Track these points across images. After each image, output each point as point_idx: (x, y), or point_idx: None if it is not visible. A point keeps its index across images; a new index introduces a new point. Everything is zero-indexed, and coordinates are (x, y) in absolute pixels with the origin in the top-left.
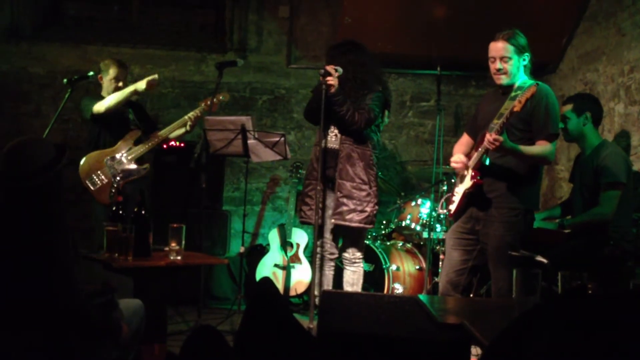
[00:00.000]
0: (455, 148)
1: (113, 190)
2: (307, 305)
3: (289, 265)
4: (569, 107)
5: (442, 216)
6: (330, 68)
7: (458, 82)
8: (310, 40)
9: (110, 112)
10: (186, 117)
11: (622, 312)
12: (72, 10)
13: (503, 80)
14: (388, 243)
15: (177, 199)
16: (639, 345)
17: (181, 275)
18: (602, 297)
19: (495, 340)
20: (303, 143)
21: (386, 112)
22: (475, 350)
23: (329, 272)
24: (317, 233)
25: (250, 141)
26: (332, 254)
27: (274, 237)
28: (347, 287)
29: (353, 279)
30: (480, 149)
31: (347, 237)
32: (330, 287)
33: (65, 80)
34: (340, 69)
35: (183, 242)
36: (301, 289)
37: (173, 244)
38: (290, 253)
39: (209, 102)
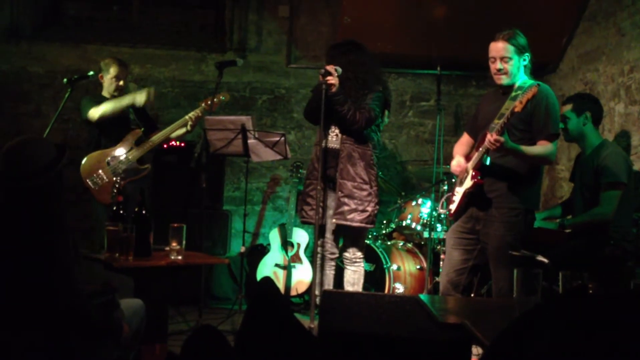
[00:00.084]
0: (455, 148)
1: (114, 191)
2: (308, 305)
3: (289, 265)
4: (568, 107)
5: (442, 216)
6: (330, 68)
7: (458, 82)
8: (310, 40)
9: (104, 120)
10: (187, 117)
11: (623, 312)
12: (72, 10)
13: (503, 80)
14: (389, 243)
15: (178, 198)
16: (639, 346)
17: (182, 275)
18: (603, 297)
19: (496, 340)
20: (303, 143)
21: (386, 112)
22: (476, 350)
23: (329, 272)
24: (318, 233)
25: (251, 141)
26: (332, 253)
27: (274, 237)
28: (348, 287)
29: (354, 278)
30: (480, 149)
31: (348, 236)
32: (331, 287)
33: (65, 80)
34: (339, 69)
35: (184, 242)
36: (302, 288)
37: (174, 244)
38: (291, 253)
39: (209, 102)
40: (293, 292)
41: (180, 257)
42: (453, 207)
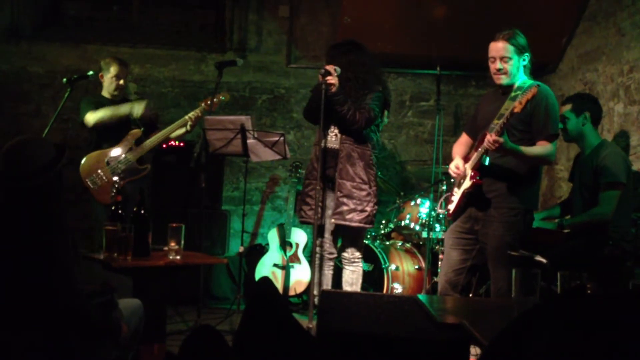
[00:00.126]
0: (454, 148)
1: (114, 191)
2: (306, 305)
3: (288, 265)
4: (568, 107)
5: (441, 216)
6: (330, 67)
7: (458, 82)
8: (310, 40)
9: (99, 126)
10: (186, 117)
11: (622, 312)
12: (72, 10)
13: (503, 80)
14: (387, 243)
15: (177, 198)
16: (639, 345)
17: (180, 275)
18: (602, 297)
19: (494, 340)
20: (302, 143)
21: (386, 112)
22: (474, 350)
23: (328, 272)
24: (317, 233)
25: (250, 141)
26: (331, 253)
27: (273, 237)
28: (347, 287)
29: (352, 278)
30: (480, 149)
31: (347, 236)
32: (329, 287)
33: (65, 79)
34: (338, 69)
35: (182, 242)
36: (300, 288)
37: (172, 244)
38: (289, 253)
39: (209, 102)
40: (291, 292)
41: (178, 257)
42: (452, 207)
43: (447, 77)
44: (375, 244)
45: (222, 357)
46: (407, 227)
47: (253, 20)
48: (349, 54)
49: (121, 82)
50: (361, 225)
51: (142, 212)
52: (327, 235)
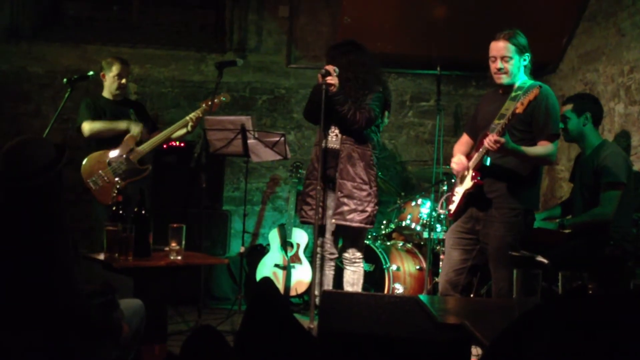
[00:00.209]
0: (455, 148)
1: (115, 191)
2: (307, 305)
3: (289, 265)
4: (569, 107)
5: (442, 216)
6: (329, 68)
7: (458, 82)
8: (310, 40)
9: (93, 138)
10: (187, 117)
11: (623, 313)
12: (72, 10)
13: (503, 79)
14: (388, 243)
15: (177, 198)
16: (639, 346)
17: (181, 275)
18: (603, 297)
19: (495, 340)
20: (303, 143)
21: (386, 113)
22: (475, 351)
23: (329, 272)
24: (317, 233)
25: (250, 141)
26: (332, 253)
27: (274, 237)
28: (348, 287)
29: (353, 279)
30: (481, 150)
31: (347, 237)
32: (330, 287)
33: (65, 80)
34: (337, 69)
35: (183, 242)
36: (301, 289)
37: (173, 244)
38: (290, 253)
39: (209, 103)
40: (292, 293)
41: (179, 257)
42: (453, 207)
43: (447, 77)
44: (376, 244)
45: (223, 358)
46: (408, 227)
47: (253, 20)
48: (349, 54)
49: (123, 81)
50: (362, 225)
51: (143, 212)
52: (328, 235)
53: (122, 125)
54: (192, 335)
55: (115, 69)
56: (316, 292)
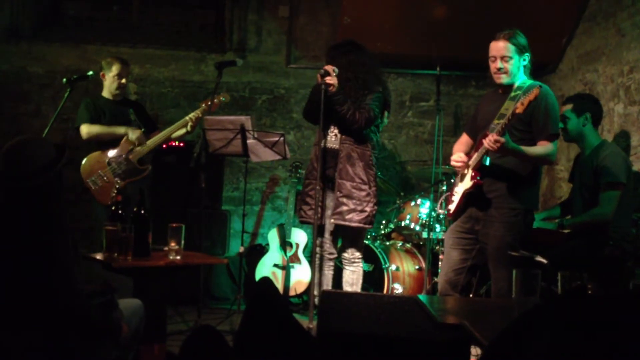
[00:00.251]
0: (454, 148)
1: (115, 191)
2: (306, 305)
3: (288, 265)
4: (568, 107)
5: (441, 216)
6: (329, 68)
7: (458, 82)
8: (310, 40)
9: (90, 141)
10: (187, 117)
11: (622, 313)
12: (72, 10)
13: (503, 79)
14: (387, 243)
15: (177, 198)
16: (639, 346)
17: (181, 275)
18: (602, 297)
19: (494, 340)
20: (302, 143)
21: (385, 113)
22: (474, 351)
23: (328, 272)
24: (317, 233)
25: (250, 141)
26: (331, 253)
27: (273, 237)
28: (347, 287)
29: (352, 278)
30: (480, 149)
31: (347, 237)
32: (329, 287)
33: (64, 80)
34: (336, 69)
35: (182, 242)
36: (301, 288)
37: (172, 244)
38: (289, 253)
39: (209, 103)
40: (292, 293)
41: (179, 257)
42: (452, 207)
43: (447, 77)
44: (376, 244)
45: (223, 358)
46: (407, 227)
47: (253, 20)
48: (349, 54)
49: (123, 80)
50: (361, 225)
51: (142, 212)
52: (327, 235)
53: (120, 130)
54: (191, 335)
55: (115, 69)
56: (315, 292)
